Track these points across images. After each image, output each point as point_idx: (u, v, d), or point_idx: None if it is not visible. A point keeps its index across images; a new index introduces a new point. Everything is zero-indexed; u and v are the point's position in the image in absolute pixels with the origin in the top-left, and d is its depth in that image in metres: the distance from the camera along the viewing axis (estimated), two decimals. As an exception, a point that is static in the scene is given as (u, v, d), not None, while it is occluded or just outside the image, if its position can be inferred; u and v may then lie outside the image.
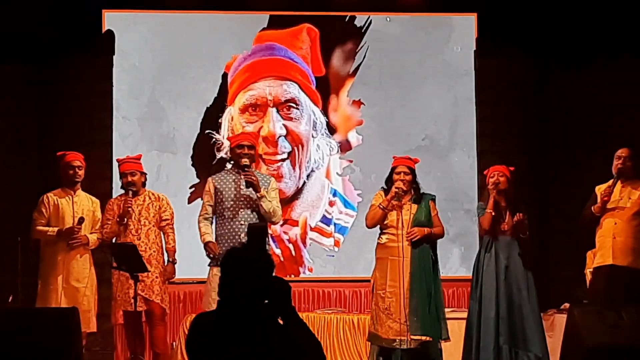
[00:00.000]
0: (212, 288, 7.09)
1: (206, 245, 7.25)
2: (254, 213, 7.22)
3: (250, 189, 7.15)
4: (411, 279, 7.24)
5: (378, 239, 7.43)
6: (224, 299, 3.89)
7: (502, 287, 7.41)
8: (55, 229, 7.61)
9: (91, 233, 7.76)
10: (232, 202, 7.22)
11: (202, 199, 7.55)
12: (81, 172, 7.78)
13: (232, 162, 7.60)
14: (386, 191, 7.38)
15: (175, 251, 7.81)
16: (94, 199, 7.92)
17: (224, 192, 7.24)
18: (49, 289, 7.60)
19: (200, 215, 7.39)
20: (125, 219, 7.60)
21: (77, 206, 7.73)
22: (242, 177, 7.17)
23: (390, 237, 7.33)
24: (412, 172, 7.38)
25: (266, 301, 3.86)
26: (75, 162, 7.76)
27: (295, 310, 3.95)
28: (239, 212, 7.20)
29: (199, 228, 7.36)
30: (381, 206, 7.32)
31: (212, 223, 7.35)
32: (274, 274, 3.99)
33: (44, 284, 7.65)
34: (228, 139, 7.86)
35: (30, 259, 8.42)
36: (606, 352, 5.60)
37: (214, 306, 6.63)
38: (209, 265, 7.31)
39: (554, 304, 8.82)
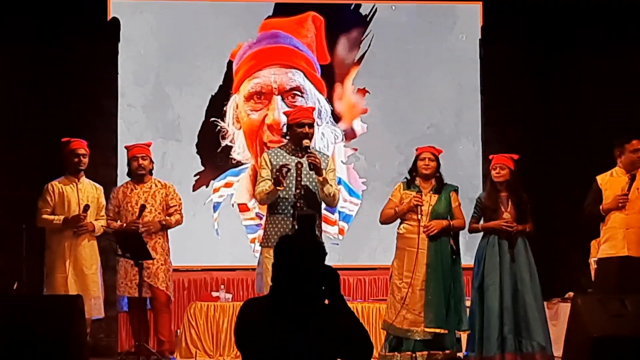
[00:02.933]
0: (266, 269, 6.71)
1: (276, 177, 6.61)
2: (311, 196, 6.77)
3: (312, 172, 6.69)
4: (427, 271, 7.26)
5: (398, 228, 7.43)
6: (276, 285, 3.97)
7: (506, 277, 7.43)
8: (62, 217, 7.62)
9: (96, 220, 7.76)
10: (290, 184, 6.74)
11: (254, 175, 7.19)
12: (85, 160, 7.79)
13: (287, 137, 7.00)
14: (408, 182, 7.37)
15: (172, 223, 7.78)
16: (97, 185, 7.93)
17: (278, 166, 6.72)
18: (57, 276, 7.61)
19: (257, 192, 6.86)
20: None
21: (82, 193, 7.74)
22: (306, 159, 6.67)
23: (408, 228, 7.33)
24: (437, 159, 7.36)
25: (323, 288, 3.93)
26: (80, 149, 7.76)
27: (344, 299, 4.02)
28: (300, 191, 6.68)
29: (261, 192, 6.77)
30: (397, 211, 7.32)
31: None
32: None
33: (52, 271, 7.66)
34: (285, 113, 7.26)
35: (36, 245, 8.43)
36: (610, 341, 5.59)
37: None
38: (260, 245, 7.02)
39: (558, 292, 8.82)
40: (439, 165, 7.39)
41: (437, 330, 7.15)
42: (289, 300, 3.90)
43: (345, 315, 3.96)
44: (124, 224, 7.73)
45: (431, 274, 7.25)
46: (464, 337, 7.44)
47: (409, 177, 7.43)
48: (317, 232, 6.80)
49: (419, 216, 7.23)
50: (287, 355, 3.82)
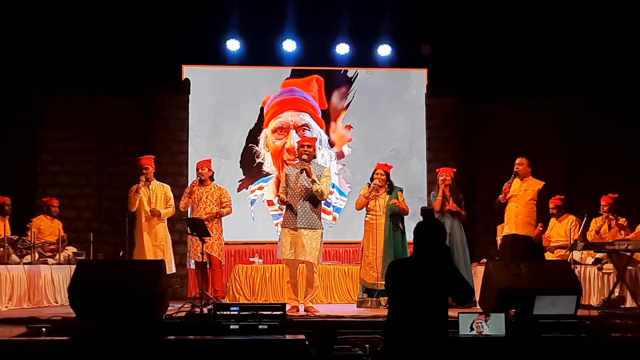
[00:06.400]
0: (282, 243, 6.82)
1: (279, 198, 6.98)
2: (310, 192, 6.80)
3: (305, 174, 6.77)
4: (385, 244, 7.30)
5: (365, 217, 7.46)
6: (417, 251, 4.28)
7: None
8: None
9: (165, 208, 7.71)
10: (295, 184, 6.84)
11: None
12: (147, 171, 7.62)
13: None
14: (369, 185, 7.42)
15: (223, 214, 7.70)
16: (164, 185, 7.84)
17: (290, 177, 6.89)
18: (142, 247, 7.57)
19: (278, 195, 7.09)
20: (192, 196, 7.56)
21: (151, 191, 7.67)
22: (299, 166, 6.82)
23: (371, 217, 7.38)
24: (387, 173, 7.43)
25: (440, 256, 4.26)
26: (144, 165, 7.66)
27: (454, 263, 4.38)
28: (298, 190, 6.82)
29: (278, 201, 7.17)
30: (365, 196, 7.36)
31: (286, 194, 6.88)
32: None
33: (138, 244, 7.62)
34: (297, 142, 7.21)
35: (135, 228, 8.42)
36: (510, 292, 5.62)
37: (285, 255, 6.74)
38: (281, 226, 6.97)
39: (476, 259, 8.84)
40: (388, 176, 7.44)
41: None
42: (423, 260, 4.20)
43: (455, 272, 4.26)
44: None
45: (387, 246, 7.29)
46: None
47: (370, 182, 7.46)
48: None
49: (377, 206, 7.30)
50: (421, 292, 4.09)
